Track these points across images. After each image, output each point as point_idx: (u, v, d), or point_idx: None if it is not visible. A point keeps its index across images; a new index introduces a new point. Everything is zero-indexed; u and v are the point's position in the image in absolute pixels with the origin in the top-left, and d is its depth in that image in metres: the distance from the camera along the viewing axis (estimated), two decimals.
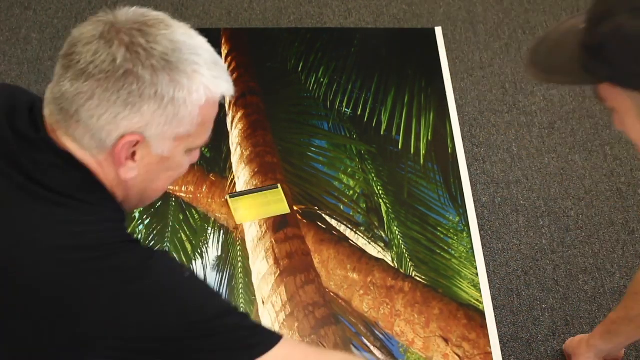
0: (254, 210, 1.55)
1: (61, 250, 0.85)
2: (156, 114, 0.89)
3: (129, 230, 1.60)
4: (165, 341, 0.87)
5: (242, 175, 1.68)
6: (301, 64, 1.93)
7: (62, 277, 0.85)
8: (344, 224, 1.60)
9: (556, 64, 0.83)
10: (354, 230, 1.59)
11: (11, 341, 0.87)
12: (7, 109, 0.94)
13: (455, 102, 1.89)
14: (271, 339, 0.92)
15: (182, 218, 1.62)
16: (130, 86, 0.87)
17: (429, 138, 1.77)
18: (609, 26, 0.75)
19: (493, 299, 1.60)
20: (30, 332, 0.85)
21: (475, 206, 1.73)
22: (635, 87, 0.78)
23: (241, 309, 1.46)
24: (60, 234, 0.87)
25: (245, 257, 1.54)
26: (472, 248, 1.60)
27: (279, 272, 1.50)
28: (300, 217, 1.60)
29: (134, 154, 0.92)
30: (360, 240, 1.58)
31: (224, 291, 1.49)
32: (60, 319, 0.85)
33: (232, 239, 1.58)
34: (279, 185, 1.51)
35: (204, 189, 1.67)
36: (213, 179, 1.69)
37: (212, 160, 1.72)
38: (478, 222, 1.74)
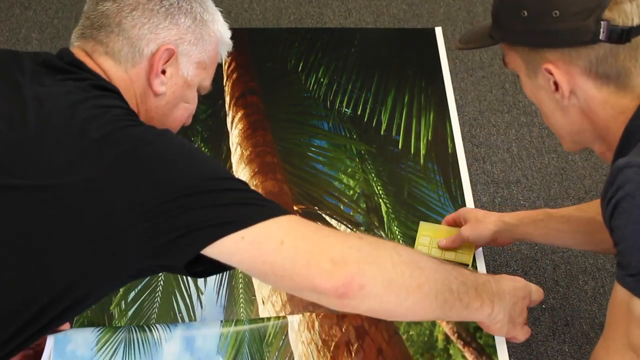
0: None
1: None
2: (189, 29, 1.01)
3: None
4: (183, 198, 0.87)
5: (242, 175, 1.69)
6: (301, 64, 1.93)
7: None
8: (344, 224, 1.60)
9: (471, 39, 1.05)
10: (354, 230, 1.59)
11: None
12: (24, 55, 1.03)
13: (455, 102, 1.89)
14: (281, 209, 0.93)
15: None
16: None
17: (429, 138, 1.77)
18: (500, 2, 0.95)
19: None
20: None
21: (475, 206, 1.73)
22: (518, 42, 0.95)
23: (241, 308, 1.46)
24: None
25: None
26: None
27: None
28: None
29: (164, 72, 1.01)
30: None
31: (223, 291, 1.49)
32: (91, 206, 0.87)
33: None
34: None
35: None
36: None
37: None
38: None
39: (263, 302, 1.46)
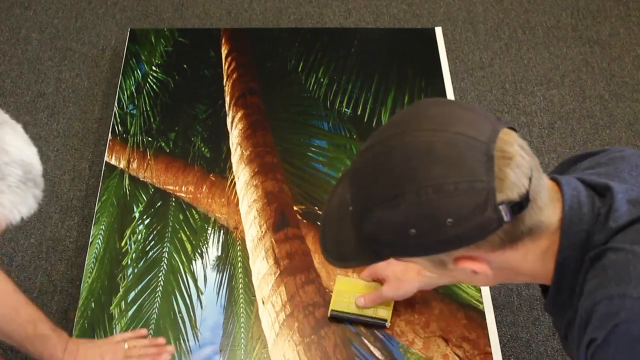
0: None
1: None
2: None
3: (129, 230, 1.60)
4: None
5: (242, 175, 1.69)
6: (301, 64, 1.93)
7: None
8: None
9: (347, 253, 0.87)
10: None
11: None
12: None
13: None
14: None
15: (182, 218, 1.62)
16: None
17: None
18: (372, 222, 0.81)
19: (493, 299, 1.60)
20: None
21: None
22: (414, 255, 0.84)
23: (241, 308, 1.46)
24: None
25: (245, 257, 1.54)
26: None
27: (279, 272, 1.50)
28: (300, 217, 1.60)
29: None
30: None
31: (223, 291, 1.49)
32: None
33: (232, 239, 1.58)
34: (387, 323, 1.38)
35: (204, 189, 1.67)
36: (213, 179, 1.69)
37: (212, 160, 1.72)
38: None
39: (263, 302, 1.46)
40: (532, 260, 0.86)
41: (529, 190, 0.79)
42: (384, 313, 1.38)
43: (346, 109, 1.83)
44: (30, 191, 0.99)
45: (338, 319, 1.40)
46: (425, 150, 0.77)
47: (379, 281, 1.39)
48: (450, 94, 1.86)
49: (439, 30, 2.01)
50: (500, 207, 0.77)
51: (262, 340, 1.41)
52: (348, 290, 1.41)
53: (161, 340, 1.40)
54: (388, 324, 1.37)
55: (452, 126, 0.79)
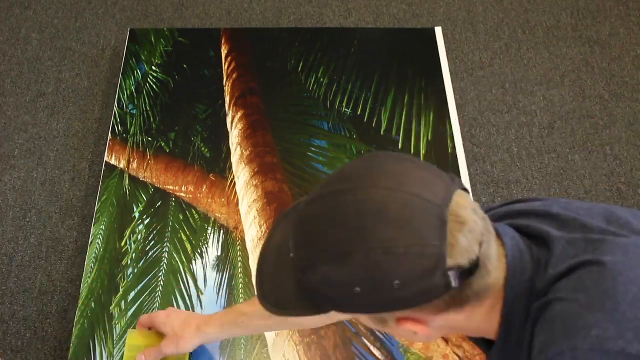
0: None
1: None
2: None
3: (129, 230, 1.60)
4: None
5: (242, 175, 1.69)
6: (301, 64, 1.93)
7: None
8: None
9: (286, 301, 0.84)
10: None
11: None
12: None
13: (455, 102, 1.89)
14: None
15: (182, 218, 1.62)
16: None
17: (429, 138, 1.77)
18: (316, 276, 0.78)
19: None
20: None
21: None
22: (361, 312, 0.81)
23: None
24: None
25: (245, 257, 1.54)
26: None
27: None
28: None
29: None
30: None
31: (223, 291, 1.49)
32: None
33: (232, 239, 1.58)
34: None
35: (204, 189, 1.67)
36: (213, 179, 1.69)
37: (212, 160, 1.72)
38: None
39: None
40: (478, 320, 0.85)
41: (479, 256, 0.77)
42: None
43: (346, 109, 1.83)
44: None
45: None
46: (379, 210, 0.75)
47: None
48: (450, 94, 1.86)
49: (439, 30, 2.01)
50: (450, 273, 0.76)
51: (262, 340, 1.41)
52: (142, 345, 1.33)
53: None
54: None
55: (407, 186, 0.77)
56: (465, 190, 0.81)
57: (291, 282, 0.83)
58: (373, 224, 0.75)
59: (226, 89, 1.87)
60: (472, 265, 0.77)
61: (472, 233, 0.77)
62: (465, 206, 0.78)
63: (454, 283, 0.76)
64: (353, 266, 0.75)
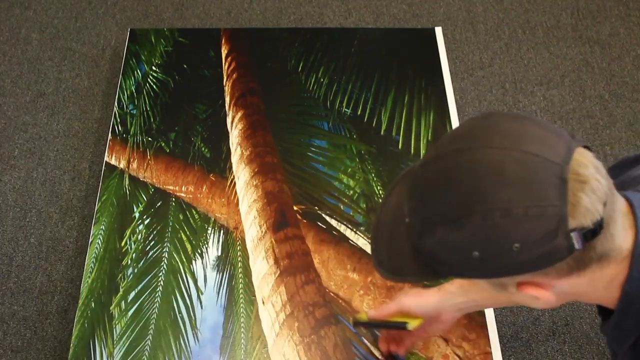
0: None
1: None
2: None
3: (129, 230, 1.60)
4: None
5: (242, 175, 1.69)
6: (301, 64, 1.93)
7: None
8: (344, 224, 1.60)
9: (403, 267, 0.83)
10: (354, 230, 1.59)
11: None
12: None
13: (455, 102, 1.89)
14: None
15: (182, 218, 1.62)
16: None
17: (429, 138, 1.77)
18: (432, 241, 0.77)
19: None
20: None
21: None
22: (479, 277, 0.79)
23: (241, 308, 1.46)
24: None
25: (245, 257, 1.54)
26: None
27: (279, 272, 1.50)
28: (300, 217, 1.60)
29: None
30: (360, 240, 1.58)
31: (223, 291, 1.49)
32: None
33: (232, 239, 1.58)
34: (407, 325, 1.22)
35: (204, 189, 1.67)
36: (213, 179, 1.69)
37: (212, 160, 1.72)
38: None
39: (263, 302, 1.46)
40: (599, 287, 0.82)
41: (603, 217, 0.74)
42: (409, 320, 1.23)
43: (346, 109, 1.83)
44: None
45: (361, 325, 1.29)
46: (496, 170, 0.72)
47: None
48: (450, 94, 1.86)
49: (439, 30, 2.01)
50: (572, 234, 0.73)
51: (262, 340, 1.41)
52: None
53: None
54: (409, 326, 1.22)
55: (524, 145, 0.73)
56: (588, 147, 0.77)
57: (407, 247, 0.81)
58: (490, 185, 0.72)
59: (226, 89, 1.87)
60: (596, 226, 0.74)
61: (595, 192, 0.73)
62: (587, 164, 0.74)
63: (577, 245, 0.73)
64: (470, 229, 0.73)
